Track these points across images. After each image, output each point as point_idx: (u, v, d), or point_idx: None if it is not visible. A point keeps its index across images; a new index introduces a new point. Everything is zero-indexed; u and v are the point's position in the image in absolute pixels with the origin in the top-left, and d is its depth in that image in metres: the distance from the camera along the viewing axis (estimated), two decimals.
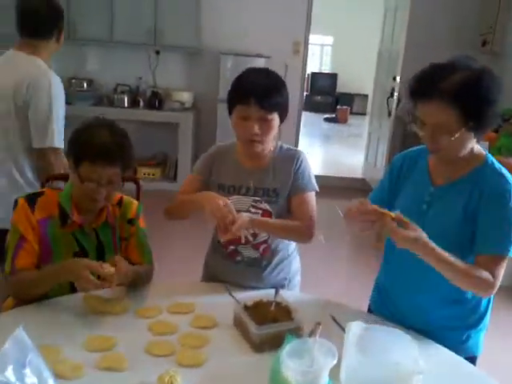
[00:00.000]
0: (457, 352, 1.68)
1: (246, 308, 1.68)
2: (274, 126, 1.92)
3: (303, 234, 1.97)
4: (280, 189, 2.00)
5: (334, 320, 1.56)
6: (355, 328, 1.32)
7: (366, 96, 13.26)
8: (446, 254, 1.55)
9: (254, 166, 2.03)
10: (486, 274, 1.58)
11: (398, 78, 6.21)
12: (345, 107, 13.60)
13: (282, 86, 1.93)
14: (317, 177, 2.06)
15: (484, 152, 1.71)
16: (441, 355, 1.64)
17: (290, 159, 2.02)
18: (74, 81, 6.14)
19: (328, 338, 1.38)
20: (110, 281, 1.65)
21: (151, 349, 1.53)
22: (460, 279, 1.60)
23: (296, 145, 6.89)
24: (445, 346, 1.69)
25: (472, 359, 1.77)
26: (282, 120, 1.96)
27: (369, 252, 4.22)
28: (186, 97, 6.21)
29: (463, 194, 1.66)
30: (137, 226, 2.02)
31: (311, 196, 2.04)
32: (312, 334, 1.47)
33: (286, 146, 2.10)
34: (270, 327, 1.56)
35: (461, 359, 1.63)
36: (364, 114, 13.40)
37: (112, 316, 1.71)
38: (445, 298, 1.74)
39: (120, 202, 2.01)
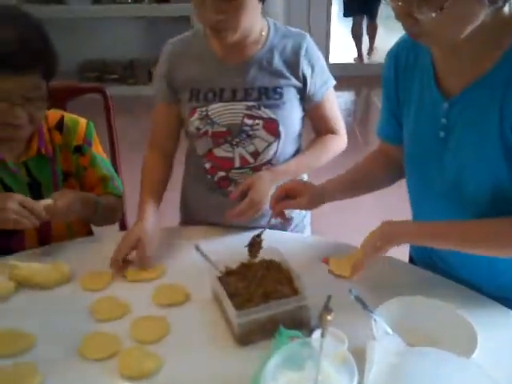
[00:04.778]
0: None
1: (228, 275, 1.15)
2: (243, 5, 1.27)
3: (341, 147, 1.56)
4: (284, 86, 1.42)
5: (359, 301, 0.99)
6: (382, 357, 0.74)
7: None
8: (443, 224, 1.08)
9: (239, 59, 1.42)
10: None
11: None
12: None
13: None
14: None
15: None
16: None
17: (294, 47, 1.42)
18: None
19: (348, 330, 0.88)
20: (48, 213, 1.28)
21: (86, 349, 1.03)
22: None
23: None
24: None
25: None
26: None
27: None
28: None
29: (495, 94, 0.98)
30: (91, 155, 1.50)
31: (331, 95, 1.51)
32: (320, 324, 0.93)
33: (281, 25, 1.47)
34: (257, 311, 1.02)
35: None
36: None
37: (42, 292, 1.22)
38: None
39: (60, 125, 1.46)
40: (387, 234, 1.06)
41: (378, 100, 5.23)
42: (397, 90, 1.19)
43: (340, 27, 7.07)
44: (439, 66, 1.08)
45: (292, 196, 1.25)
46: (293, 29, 1.47)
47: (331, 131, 1.54)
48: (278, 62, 1.42)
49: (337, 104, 1.55)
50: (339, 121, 1.55)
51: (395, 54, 1.18)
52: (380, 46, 6.23)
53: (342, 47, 6.78)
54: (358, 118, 5.09)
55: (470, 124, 1.03)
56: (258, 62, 1.42)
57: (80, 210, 1.36)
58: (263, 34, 1.41)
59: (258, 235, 1.24)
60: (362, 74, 5.67)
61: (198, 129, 1.44)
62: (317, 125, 1.55)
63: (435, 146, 1.10)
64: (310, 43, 1.44)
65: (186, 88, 1.45)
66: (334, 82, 1.51)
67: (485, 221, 1.04)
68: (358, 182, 1.34)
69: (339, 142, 1.55)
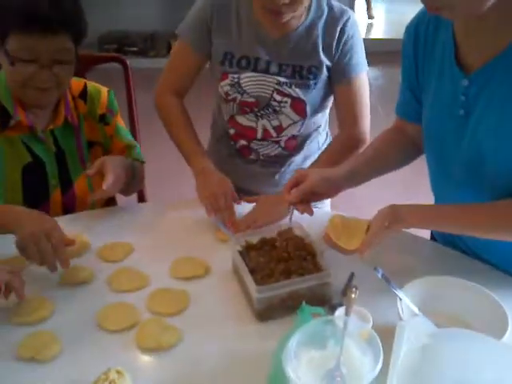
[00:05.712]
0: None
1: (248, 249, 1.12)
2: None
3: (354, 149, 1.43)
4: (319, 67, 1.37)
5: (386, 279, 0.96)
6: (412, 338, 0.70)
7: None
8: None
9: (280, 32, 1.38)
10: None
11: None
12: None
13: None
14: None
15: None
16: None
17: (334, 23, 1.36)
18: None
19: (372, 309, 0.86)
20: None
21: (104, 320, 1.02)
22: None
23: None
24: None
25: None
26: None
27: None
28: None
29: None
30: (115, 124, 1.50)
31: (361, 81, 1.41)
32: (344, 301, 0.91)
33: None
34: (278, 287, 1.00)
35: None
36: None
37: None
38: None
39: (84, 93, 1.44)
40: (396, 213, 1.02)
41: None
42: (416, 66, 1.13)
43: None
44: (460, 41, 1.01)
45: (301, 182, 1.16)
46: (336, 3, 1.39)
47: (353, 135, 1.41)
48: (315, 39, 1.37)
49: (367, 95, 1.42)
50: (364, 117, 1.42)
51: (415, 27, 1.11)
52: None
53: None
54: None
55: (490, 101, 0.97)
56: (297, 38, 1.37)
57: (125, 176, 1.34)
58: (305, 6, 1.34)
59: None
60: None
61: (227, 94, 1.42)
62: (340, 113, 1.44)
63: (454, 124, 1.05)
64: (350, 21, 1.37)
65: (220, 49, 1.41)
66: (366, 69, 1.42)
67: (497, 203, 1.00)
68: (372, 165, 1.24)
69: (351, 143, 1.43)
